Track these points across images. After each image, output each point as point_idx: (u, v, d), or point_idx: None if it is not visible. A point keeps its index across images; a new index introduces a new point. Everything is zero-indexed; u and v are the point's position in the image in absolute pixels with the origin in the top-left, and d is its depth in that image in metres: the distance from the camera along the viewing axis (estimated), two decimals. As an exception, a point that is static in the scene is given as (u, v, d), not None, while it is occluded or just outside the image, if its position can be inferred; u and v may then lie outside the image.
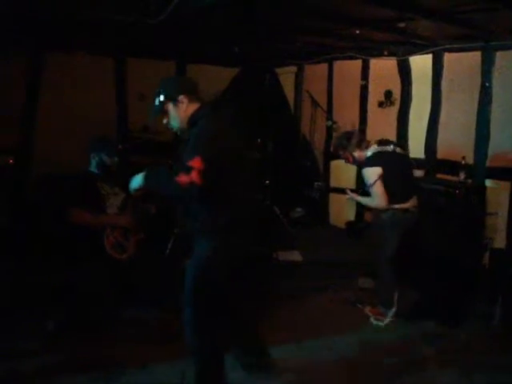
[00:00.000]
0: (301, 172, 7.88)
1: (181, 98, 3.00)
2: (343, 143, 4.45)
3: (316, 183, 6.61)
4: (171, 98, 3.02)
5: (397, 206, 4.25)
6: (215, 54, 7.14)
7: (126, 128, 6.95)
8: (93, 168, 4.21)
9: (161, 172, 3.06)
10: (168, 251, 5.45)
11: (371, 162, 4.28)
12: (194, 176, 2.66)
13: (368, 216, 4.88)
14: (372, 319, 4.43)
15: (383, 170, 4.17)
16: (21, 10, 4.45)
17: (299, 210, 7.74)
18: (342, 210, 7.26)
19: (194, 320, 3.05)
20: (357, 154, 4.40)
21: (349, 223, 7.10)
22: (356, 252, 5.89)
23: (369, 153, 4.34)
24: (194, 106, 3.03)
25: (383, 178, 4.16)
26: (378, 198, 4.20)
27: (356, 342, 4.07)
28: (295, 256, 6.15)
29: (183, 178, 2.68)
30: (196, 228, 3.05)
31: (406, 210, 4.30)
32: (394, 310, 4.39)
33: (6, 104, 6.04)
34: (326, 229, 7.47)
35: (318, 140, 7.73)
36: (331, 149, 4.71)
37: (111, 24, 4.89)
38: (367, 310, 4.53)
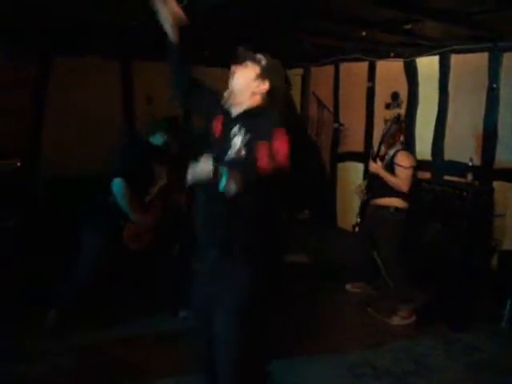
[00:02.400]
0: (308, 173, 7.86)
1: (267, 82, 2.55)
2: (401, 123, 4.76)
3: (305, 211, 7.26)
4: (263, 73, 2.55)
5: (403, 205, 4.48)
6: (221, 56, 7.13)
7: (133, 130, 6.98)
8: (157, 141, 4.04)
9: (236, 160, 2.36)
10: (176, 252, 5.47)
11: (408, 152, 4.67)
12: (282, 158, 2.27)
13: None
14: (397, 320, 4.44)
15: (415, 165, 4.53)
16: (30, 14, 4.49)
17: (306, 212, 7.73)
18: (348, 213, 7.25)
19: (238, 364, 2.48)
20: (401, 138, 4.74)
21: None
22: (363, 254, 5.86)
23: (399, 146, 4.62)
24: (258, 100, 2.55)
25: (414, 169, 4.50)
26: (404, 179, 4.42)
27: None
28: (302, 258, 6.14)
29: (266, 164, 2.22)
30: (228, 247, 2.40)
31: (403, 209, 4.53)
32: (413, 305, 4.45)
33: (15, 107, 6.08)
34: (333, 231, 7.45)
35: (325, 142, 7.72)
36: (384, 129, 4.76)
37: (118, 26, 4.92)
38: (395, 320, 4.47)
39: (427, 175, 6.03)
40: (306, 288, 5.19)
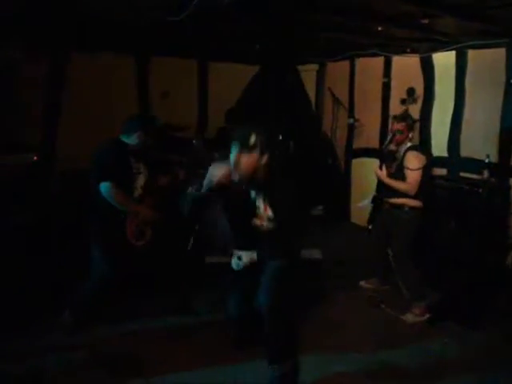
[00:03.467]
0: (322, 169, 7.84)
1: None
2: (410, 120, 4.66)
3: (318, 207, 7.25)
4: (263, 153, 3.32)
5: (417, 204, 4.45)
6: (236, 51, 7.14)
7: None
8: (129, 140, 4.04)
9: None
10: (189, 247, 5.50)
11: (420, 149, 4.59)
12: None
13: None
14: (411, 317, 4.42)
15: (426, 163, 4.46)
16: (46, 10, 4.52)
17: (320, 207, 7.71)
18: (362, 209, 7.21)
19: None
20: (410, 135, 4.61)
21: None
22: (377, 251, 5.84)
23: (410, 143, 4.57)
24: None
25: (424, 169, 4.41)
26: (412, 182, 4.37)
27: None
28: (315, 254, 6.12)
29: None
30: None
31: (418, 208, 4.49)
32: (426, 302, 4.44)
33: (31, 102, 6.14)
34: (347, 227, 7.43)
35: (340, 137, 7.69)
36: (391, 120, 4.79)
37: (134, 22, 4.93)
38: (409, 318, 4.45)
39: (443, 172, 5.98)
40: (319, 284, 5.17)
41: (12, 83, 5.99)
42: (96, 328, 4.04)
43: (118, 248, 3.90)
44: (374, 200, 4.92)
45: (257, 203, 3.43)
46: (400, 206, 4.50)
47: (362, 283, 5.18)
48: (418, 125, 5.55)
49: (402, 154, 4.53)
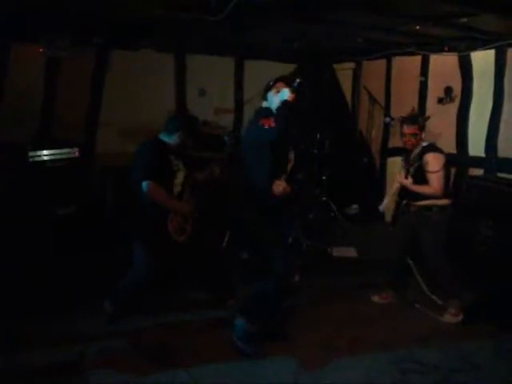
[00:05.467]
0: (358, 168, 7.84)
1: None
2: (420, 120, 4.47)
3: (353, 206, 7.14)
4: None
5: (445, 202, 4.35)
6: (273, 49, 7.19)
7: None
8: (170, 139, 4.14)
9: None
10: (225, 243, 5.60)
11: (437, 149, 4.37)
12: None
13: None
14: (448, 317, 4.38)
15: (445, 160, 4.30)
16: (87, 9, 4.65)
17: (355, 206, 7.71)
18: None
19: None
20: (423, 135, 4.41)
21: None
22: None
23: (424, 143, 4.40)
24: None
25: (444, 167, 4.26)
26: (437, 185, 4.23)
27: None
28: (350, 252, 6.15)
29: None
30: None
31: (447, 206, 4.38)
32: (460, 302, 4.38)
33: (73, 99, 6.32)
34: (382, 226, 7.39)
35: (376, 136, 7.67)
36: (401, 120, 4.60)
37: (173, 21, 5.03)
38: (446, 318, 4.40)
39: (480, 172, 5.92)
40: (354, 282, 5.20)
41: (56, 80, 6.19)
42: (136, 318, 4.17)
43: (159, 243, 4.00)
44: (398, 205, 4.65)
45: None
46: (428, 208, 4.35)
47: (376, 298, 4.83)
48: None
49: (417, 154, 4.35)
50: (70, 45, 5.85)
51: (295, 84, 3.54)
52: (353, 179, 7.64)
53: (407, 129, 4.37)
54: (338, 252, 6.08)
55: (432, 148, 4.35)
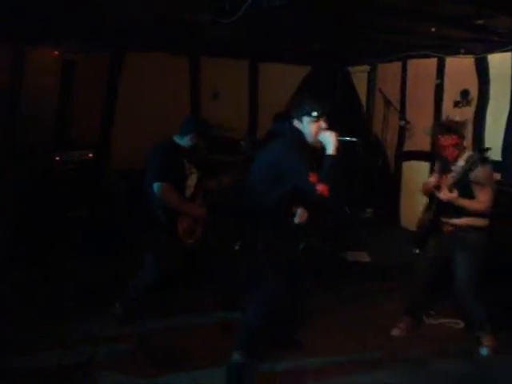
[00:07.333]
0: (372, 171, 7.78)
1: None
2: (460, 127, 3.90)
3: (368, 209, 7.06)
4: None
5: (484, 223, 3.90)
6: (287, 52, 7.17)
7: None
8: (183, 141, 4.12)
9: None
10: (238, 247, 5.56)
11: (488, 161, 4.01)
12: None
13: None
14: (485, 350, 3.91)
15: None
16: (105, 12, 4.68)
17: (369, 210, 7.65)
18: (413, 212, 7.11)
19: None
20: (465, 142, 3.93)
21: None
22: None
23: (469, 152, 3.89)
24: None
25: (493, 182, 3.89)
26: (488, 201, 3.76)
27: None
28: (364, 257, 6.10)
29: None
30: None
31: (485, 227, 3.93)
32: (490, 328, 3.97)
33: (88, 102, 6.35)
34: (397, 231, 7.32)
35: (390, 140, 7.61)
36: (434, 129, 4.02)
37: (187, 23, 5.03)
38: (487, 351, 3.89)
39: (497, 176, 5.84)
40: (368, 288, 5.13)
41: (71, 83, 6.23)
42: (146, 320, 4.16)
43: (169, 246, 4.00)
44: (431, 222, 4.10)
45: None
46: (466, 228, 3.85)
47: (396, 332, 4.22)
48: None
49: (464, 166, 3.71)
50: (84, 48, 5.89)
51: (344, 138, 3.38)
52: (366, 182, 7.57)
53: (445, 140, 3.80)
54: (351, 256, 6.02)
55: (482, 160, 3.80)
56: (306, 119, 3.34)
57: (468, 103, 6.28)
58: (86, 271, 5.01)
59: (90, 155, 5.91)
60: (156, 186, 3.88)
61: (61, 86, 6.20)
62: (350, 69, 8.26)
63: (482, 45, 5.78)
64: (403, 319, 4.28)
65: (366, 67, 8.06)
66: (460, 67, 6.39)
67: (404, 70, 7.38)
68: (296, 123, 3.38)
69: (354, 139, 3.61)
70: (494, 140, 5.97)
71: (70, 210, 5.55)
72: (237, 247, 5.49)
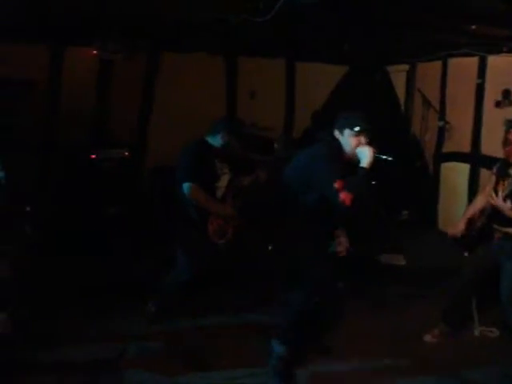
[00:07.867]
0: (410, 173, 7.64)
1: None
2: None
3: (404, 212, 6.97)
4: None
5: None
6: (324, 51, 7.12)
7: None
8: (214, 141, 4.13)
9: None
10: (271, 248, 5.55)
11: None
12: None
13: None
14: None
15: None
16: (142, 14, 4.74)
17: (405, 212, 7.52)
18: (451, 215, 6.96)
19: None
20: None
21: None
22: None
23: None
24: None
25: None
26: None
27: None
28: (399, 260, 5.99)
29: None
30: None
31: None
32: None
33: (125, 101, 6.44)
34: (434, 233, 7.16)
35: (429, 140, 7.45)
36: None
37: (222, 24, 5.04)
38: None
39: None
40: (401, 292, 5.02)
41: (109, 83, 6.34)
42: (176, 320, 4.18)
43: (199, 246, 4.00)
44: (482, 229, 3.92)
45: None
46: None
47: (428, 338, 4.11)
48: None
49: None
50: (122, 48, 5.98)
51: (381, 156, 3.35)
52: (404, 184, 7.44)
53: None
54: (386, 259, 5.93)
55: None
56: (347, 132, 3.33)
57: (510, 103, 6.09)
58: (120, 268, 5.08)
59: (126, 153, 5.98)
60: (185, 186, 3.89)
61: (99, 85, 6.30)
62: (389, 68, 8.14)
63: (525, 43, 5.61)
64: (438, 325, 4.13)
65: (405, 66, 7.94)
66: (502, 66, 6.20)
67: (444, 69, 7.21)
68: (337, 134, 3.38)
69: (390, 158, 3.46)
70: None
71: (105, 208, 5.63)
72: (270, 247, 5.50)
